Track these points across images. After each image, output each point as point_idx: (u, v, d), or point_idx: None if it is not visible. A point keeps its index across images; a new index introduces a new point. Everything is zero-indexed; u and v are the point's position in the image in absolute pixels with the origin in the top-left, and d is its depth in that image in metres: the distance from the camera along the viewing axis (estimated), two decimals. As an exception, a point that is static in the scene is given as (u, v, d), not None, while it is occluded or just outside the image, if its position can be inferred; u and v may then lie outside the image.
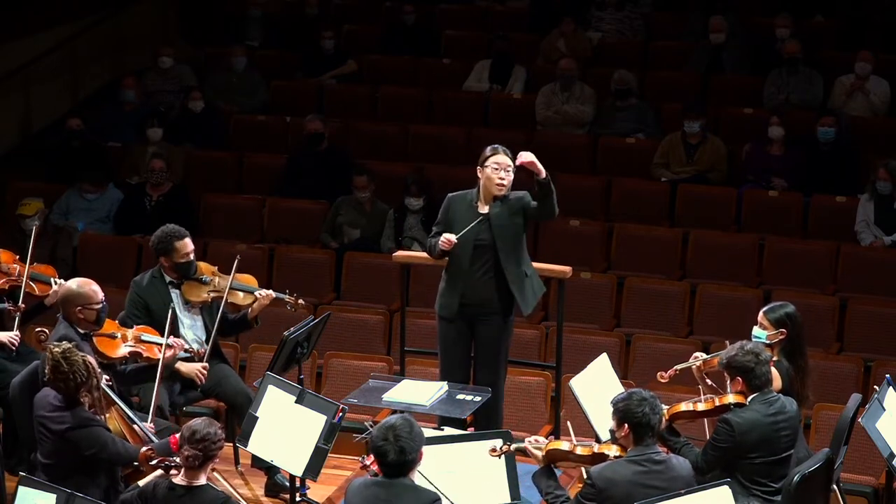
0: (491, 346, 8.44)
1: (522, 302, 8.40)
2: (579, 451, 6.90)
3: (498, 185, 8.29)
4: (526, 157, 8.17)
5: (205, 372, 8.27)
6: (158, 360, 7.93)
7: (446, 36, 15.02)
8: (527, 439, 7.04)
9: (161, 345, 7.98)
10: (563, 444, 6.96)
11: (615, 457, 6.77)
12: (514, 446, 7.02)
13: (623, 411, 6.71)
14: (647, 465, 6.65)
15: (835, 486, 7.77)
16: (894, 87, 13.13)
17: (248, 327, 8.67)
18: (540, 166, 8.19)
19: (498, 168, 8.29)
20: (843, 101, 13.05)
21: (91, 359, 7.25)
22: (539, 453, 6.94)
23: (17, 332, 8.69)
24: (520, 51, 14.41)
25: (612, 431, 6.86)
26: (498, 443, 7.07)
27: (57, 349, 7.13)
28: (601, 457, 6.81)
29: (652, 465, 6.66)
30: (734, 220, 12.18)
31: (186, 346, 8.16)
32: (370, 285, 11.39)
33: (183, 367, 8.27)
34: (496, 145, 8.39)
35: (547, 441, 7.02)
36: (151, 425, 7.54)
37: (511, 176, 8.31)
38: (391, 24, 15.23)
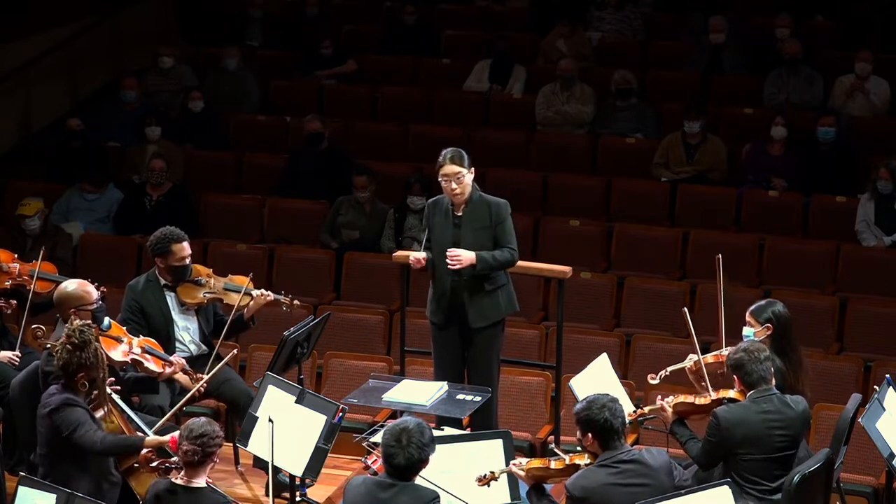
0: (482, 348, 8.44)
1: (472, 313, 8.35)
2: (553, 465, 6.92)
3: (451, 195, 8.31)
4: (454, 259, 8.18)
5: (202, 389, 8.24)
6: (158, 373, 7.97)
7: (446, 36, 15.02)
8: (511, 463, 7.05)
9: (163, 360, 8.02)
10: (538, 462, 6.99)
11: (586, 465, 6.78)
12: (499, 473, 7.01)
13: (585, 420, 6.74)
14: (618, 466, 6.69)
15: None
16: (894, 87, 13.14)
17: (246, 328, 8.67)
18: (466, 261, 8.18)
19: (448, 179, 8.29)
20: (843, 101, 13.05)
21: (104, 352, 7.27)
22: (522, 474, 6.97)
23: (18, 353, 8.72)
24: (520, 51, 14.41)
25: (579, 440, 6.87)
26: (484, 471, 7.04)
27: (77, 322, 7.20)
28: (574, 468, 6.83)
29: (623, 466, 6.69)
30: (734, 220, 12.18)
31: (187, 368, 8.15)
32: (370, 285, 11.39)
33: (182, 378, 8.23)
34: (446, 151, 8.34)
35: (527, 461, 7.03)
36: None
37: (463, 181, 8.27)
38: (391, 24, 15.24)
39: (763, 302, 7.91)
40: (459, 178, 8.27)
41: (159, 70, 14.31)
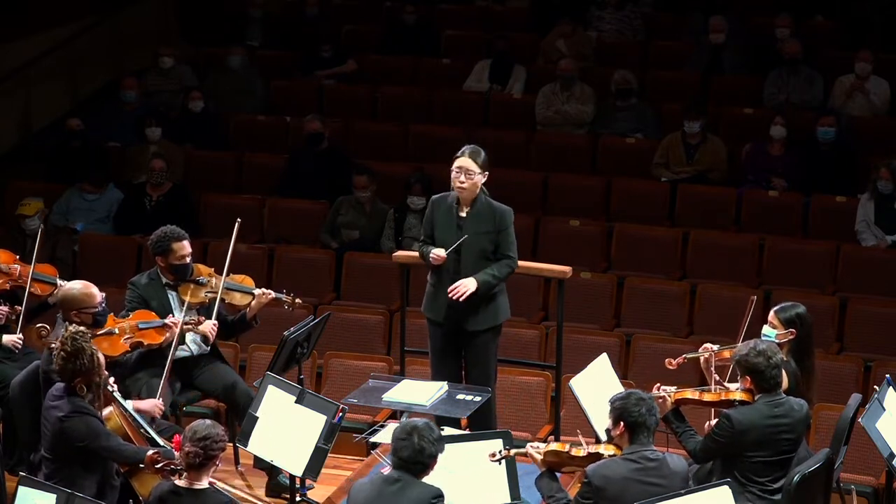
0: (479, 351, 8.43)
1: (469, 316, 8.36)
2: (574, 452, 6.92)
3: (457, 187, 8.32)
4: (457, 293, 8.23)
5: (215, 330, 8.31)
6: (159, 344, 7.98)
7: (446, 36, 15.02)
8: (528, 444, 7.06)
9: (159, 326, 8.02)
10: (559, 447, 6.98)
11: (610, 456, 6.79)
12: (513, 451, 7.03)
13: (620, 410, 6.74)
14: (643, 462, 6.68)
15: (850, 489, 7.81)
16: (894, 87, 13.13)
17: (248, 327, 8.68)
18: (467, 290, 8.21)
19: (459, 172, 8.30)
20: (843, 101, 13.05)
21: (101, 355, 7.26)
22: (539, 457, 6.96)
23: (21, 335, 8.72)
24: (520, 51, 14.41)
25: (607, 430, 6.88)
26: (497, 446, 7.06)
27: (71, 328, 7.19)
28: (596, 457, 6.84)
29: (647, 463, 6.68)
30: (734, 220, 12.18)
31: (188, 321, 8.19)
32: (370, 285, 11.39)
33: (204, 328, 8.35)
34: (466, 147, 8.39)
35: (546, 445, 7.03)
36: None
37: (473, 179, 8.28)
38: (391, 24, 15.24)
39: (788, 304, 7.82)
40: (470, 174, 8.28)
41: (159, 70, 14.31)
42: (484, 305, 8.36)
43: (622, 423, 6.73)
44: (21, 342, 8.70)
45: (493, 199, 8.47)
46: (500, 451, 7.02)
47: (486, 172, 8.34)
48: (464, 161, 8.30)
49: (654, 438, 6.80)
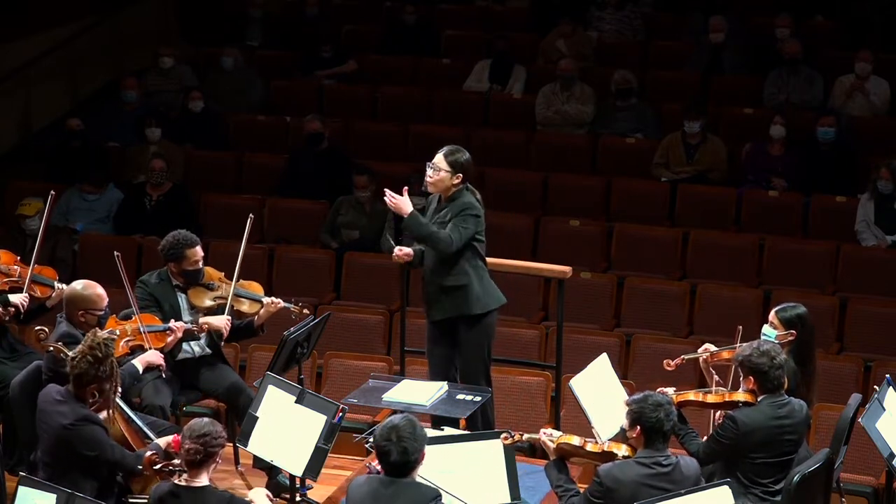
0: (467, 346, 8.40)
1: (431, 307, 8.35)
2: (589, 447, 6.92)
3: (425, 181, 8.35)
4: (392, 198, 8.25)
5: (229, 326, 8.31)
6: (161, 348, 7.97)
7: (446, 36, 15.02)
8: (542, 431, 7.05)
9: (161, 331, 8.01)
10: (574, 439, 6.97)
11: (624, 457, 6.79)
12: (526, 437, 7.03)
13: (637, 413, 6.72)
14: (655, 467, 6.67)
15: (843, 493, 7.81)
16: (894, 87, 13.14)
17: (254, 335, 8.65)
18: (400, 206, 8.22)
19: (429, 167, 8.33)
20: (843, 101, 13.05)
21: (115, 362, 7.23)
22: (552, 445, 6.96)
23: (27, 295, 8.66)
24: (520, 51, 14.41)
25: (623, 430, 6.87)
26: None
27: (102, 334, 7.13)
28: (610, 455, 6.84)
29: (659, 468, 6.68)
30: (734, 220, 12.19)
31: (189, 327, 8.17)
32: (370, 285, 11.39)
33: (212, 320, 8.32)
34: (450, 146, 8.39)
35: (560, 434, 7.03)
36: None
37: (439, 175, 8.28)
38: (391, 24, 15.24)
39: (790, 304, 7.78)
40: (437, 169, 8.29)
41: (159, 70, 14.31)
42: (445, 295, 8.30)
43: (639, 427, 6.72)
44: (27, 300, 8.64)
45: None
46: (512, 435, 7.02)
47: (460, 174, 8.25)
48: (436, 157, 8.33)
49: (668, 443, 6.79)
